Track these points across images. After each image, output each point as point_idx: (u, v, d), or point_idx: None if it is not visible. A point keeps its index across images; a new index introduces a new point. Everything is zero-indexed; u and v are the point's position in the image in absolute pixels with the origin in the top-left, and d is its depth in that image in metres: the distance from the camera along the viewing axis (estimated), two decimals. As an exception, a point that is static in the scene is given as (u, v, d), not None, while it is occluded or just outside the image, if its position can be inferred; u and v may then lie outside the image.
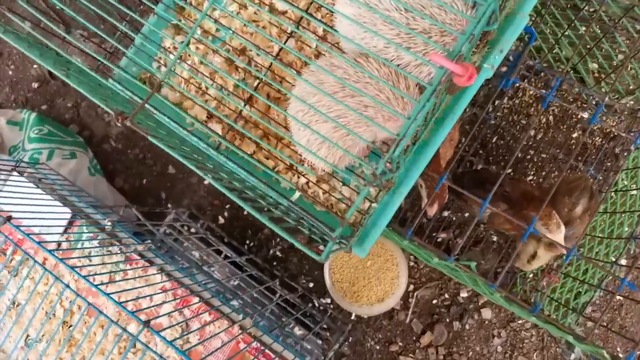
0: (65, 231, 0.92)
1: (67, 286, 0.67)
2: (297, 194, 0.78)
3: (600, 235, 1.18)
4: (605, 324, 1.20)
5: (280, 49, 0.78)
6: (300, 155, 0.76)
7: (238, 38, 0.70)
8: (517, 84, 0.83)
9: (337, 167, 0.73)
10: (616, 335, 1.32)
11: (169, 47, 0.84)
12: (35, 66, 1.66)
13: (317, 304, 1.46)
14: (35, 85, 1.64)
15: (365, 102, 0.67)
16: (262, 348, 0.83)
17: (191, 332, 0.71)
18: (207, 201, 1.59)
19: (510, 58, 1.16)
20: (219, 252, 1.48)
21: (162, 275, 0.86)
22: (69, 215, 0.91)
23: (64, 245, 0.91)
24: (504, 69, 1.40)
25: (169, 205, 1.61)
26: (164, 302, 0.84)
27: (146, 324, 0.62)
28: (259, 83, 0.78)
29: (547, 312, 1.11)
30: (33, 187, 0.92)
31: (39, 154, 1.33)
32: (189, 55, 0.81)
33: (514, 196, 1.11)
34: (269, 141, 0.80)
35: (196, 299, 0.85)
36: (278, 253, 1.52)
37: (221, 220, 1.58)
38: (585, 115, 0.86)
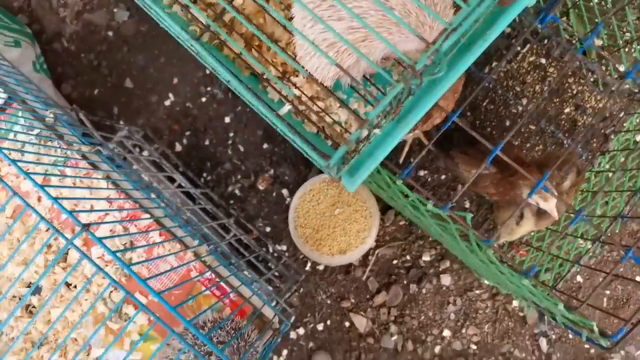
0: (-5, 116, 0.76)
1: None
2: (287, 107, 0.66)
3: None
4: (590, 304, 1.18)
5: None
6: (298, 63, 0.64)
7: None
8: (555, 22, 0.74)
9: (341, 80, 0.62)
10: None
11: None
12: (-20, -62, 1.42)
13: (271, 250, 1.36)
14: (-21, -39, 1.40)
15: (390, 2, 0.56)
16: (217, 280, 0.72)
17: (136, 247, 0.59)
18: (165, 125, 1.43)
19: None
20: (171, 181, 1.34)
21: (109, 183, 0.73)
22: (2, 97, 0.76)
23: (-8, 133, 0.76)
24: (508, 30, 1.32)
25: (122, 122, 1.45)
26: (107, 212, 0.72)
27: (85, 226, 0.50)
28: (259, -33, 0.64)
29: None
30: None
31: (-25, 35, 1.13)
32: None
33: (504, 160, 1.04)
34: (261, 41, 0.68)
35: (146, 216, 0.72)
36: (237, 191, 1.40)
37: (178, 147, 1.43)
38: (622, 68, 0.79)
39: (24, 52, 1.15)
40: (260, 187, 1.40)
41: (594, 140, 1.29)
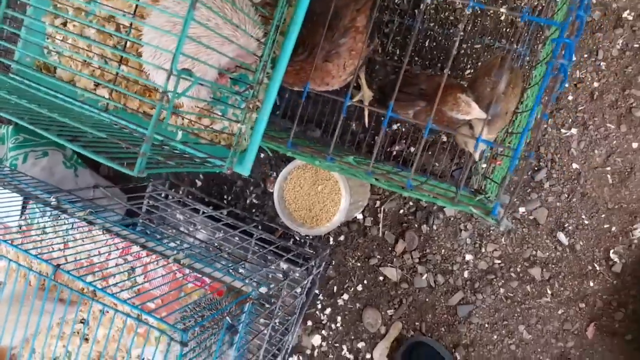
0: (22, 214, 1.05)
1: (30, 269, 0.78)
2: (181, 133, 0.86)
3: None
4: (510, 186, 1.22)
5: (136, 7, 0.85)
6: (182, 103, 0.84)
7: (102, 9, 0.77)
8: None
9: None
10: (579, 204, 1.34)
11: (52, 33, 0.92)
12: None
13: (297, 238, 1.55)
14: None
15: (198, 33, 0.73)
16: (199, 275, 0.93)
17: (137, 275, 0.82)
18: (183, 168, 1.69)
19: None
20: (197, 212, 1.59)
21: (103, 232, 0.98)
22: (21, 200, 1.04)
23: (24, 226, 1.05)
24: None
25: (151, 180, 1.73)
26: (109, 253, 0.96)
27: (57, 267, 0.73)
28: (125, 43, 0.85)
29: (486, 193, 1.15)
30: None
31: (16, 160, 1.48)
32: (68, 32, 0.89)
33: (429, 92, 1.14)
34: (150, 93, 0.88)
35: (134, 246, 0.96)
36: (254, 200, 1.62)
37: (199, 183, 1.68)
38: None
39: (51, 158, 1.47)
40: (270, 190, 1.60)
41: (538, 35, 1.31)
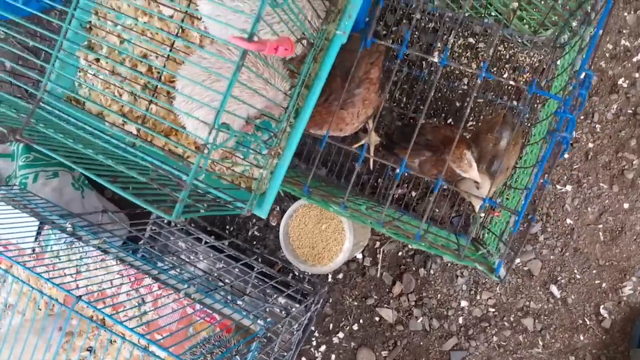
0: (36, 238, 1.08)
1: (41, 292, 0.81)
2: (202, 175, 0.90)
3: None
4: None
5: (169, 55, 0.90)
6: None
7: (135, 49, 0.82)
8: (375, 42, 0.92)
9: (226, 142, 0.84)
10: (572, 259, 1.39)
11: (85, 67, 0.97)
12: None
13: (296, 273, 1.58)
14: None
15: (243, 77, 0.78)
16: (210, 311, 0.96)
17: (147, 311, 0.85)
18: (187, 196, 1.73)
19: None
20: (200, 241, 1.62)
21: (117, 261, 1.00)
22: (37, 224, 1.07)
23: (37, 250, 1.07)
24: (433, 24, 1.47)
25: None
26: (121, 284, 0.98)
27: (79, 297, 0.76)
28: (156, 86, 0.90)
29: (488, 247, 1.19)
30: (5, 206, 1.08)
31: (26, 179, 1.50)
32: (100, 70, 0.94)
33: (435, 142, 1.20)
34: (176, 132, 0.93)
35: (147, 278, 0.99)
36: (256, 232, 1.65)
37: (202, 211, 1.71)
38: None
39: (61, 179, 1.50)
40: (273, 224, 1.63)
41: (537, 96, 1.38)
